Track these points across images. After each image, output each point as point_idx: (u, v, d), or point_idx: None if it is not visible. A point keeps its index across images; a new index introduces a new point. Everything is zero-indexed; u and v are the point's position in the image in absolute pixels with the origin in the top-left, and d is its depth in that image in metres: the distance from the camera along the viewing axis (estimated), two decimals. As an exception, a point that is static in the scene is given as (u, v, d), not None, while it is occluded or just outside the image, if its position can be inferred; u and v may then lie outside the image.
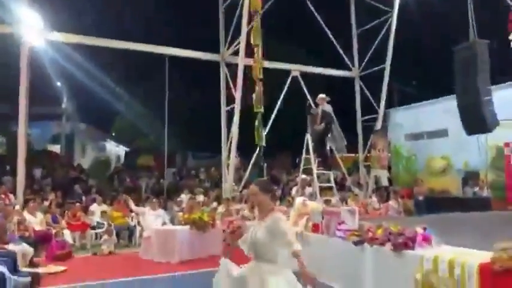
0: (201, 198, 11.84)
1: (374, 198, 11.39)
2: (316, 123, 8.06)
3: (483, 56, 10.11)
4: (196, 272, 6.68)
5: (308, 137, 8.17)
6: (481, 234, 5.04)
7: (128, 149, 25.99)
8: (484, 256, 3.77)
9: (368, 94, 13.93)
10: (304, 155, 8.33)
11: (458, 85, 10.57)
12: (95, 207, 10.21)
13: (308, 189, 8.27)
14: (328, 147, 8.55)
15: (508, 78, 11.95)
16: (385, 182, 14.03)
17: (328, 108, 8.17)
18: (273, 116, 12.90)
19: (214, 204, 11.23)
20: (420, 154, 14.03)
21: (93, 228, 9.46)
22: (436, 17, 14.11)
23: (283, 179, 15.34)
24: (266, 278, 2.78)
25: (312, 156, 7.99)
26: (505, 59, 11.12)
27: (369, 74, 14.19)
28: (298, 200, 6.61)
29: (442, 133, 13.42)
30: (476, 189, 11.77)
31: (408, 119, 14.59)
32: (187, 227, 7.70)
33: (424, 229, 4.64)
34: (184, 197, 11.98)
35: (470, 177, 12.34)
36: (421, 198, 11.40)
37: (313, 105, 8.35)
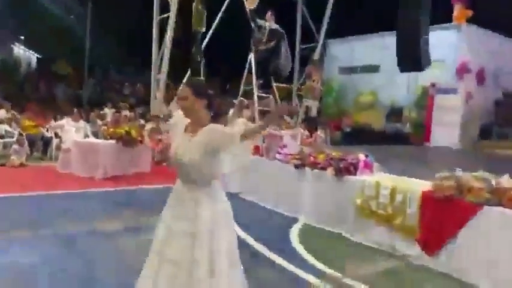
0: (126, 113, 11.02)
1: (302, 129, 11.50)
2: (262, 42, 7.56)
3: (428, -6, 10.13)
4: (122, 188, 6.25)
5: (251, 56, 7.69)
6: (405, 164, 5.23)
7: (40, 56, 23.19)
8: (424, 185, 3.86)
9: (310, 21, 13.47)
10: (245, 76, 7.90)
11: (400, 21, 10.55)
12: (1, 114, 9.00)
13: (246, 113, 7.97)
14: (271, 70, 8.17)
15: (436, 21, 12.28)
16: (314, 113, 14.25)
17: (276, 26, 7.67)
18: (206, 39, 11.82)
19: (141, 121, 10.56)
20: (351, 88, 14.32)
21: (1, 137, 8.38)
22: None
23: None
24: (198, 212, 2.17)
25: (254, 77, 7.59)
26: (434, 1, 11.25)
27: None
28: (239, 122, 6.28)
29: (374, 69, 13.74)
30: (399, 125, 12.45)
31: (343, 52, 14.61)
32: (112, 141, 7.08)
33: (366, 156, 4.64)
34: (108, 110, 11.06)
35: (394, 113, 12.98)
36: (348, 130, 11.79)
37: (259, 23, 7.74)
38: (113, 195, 5.91)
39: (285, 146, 5.42)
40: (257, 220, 4.97)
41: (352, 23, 15.61)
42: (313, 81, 13.68)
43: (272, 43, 7.56)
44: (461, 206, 3.36)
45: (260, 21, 7.77)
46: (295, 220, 4.89)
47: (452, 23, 11.80)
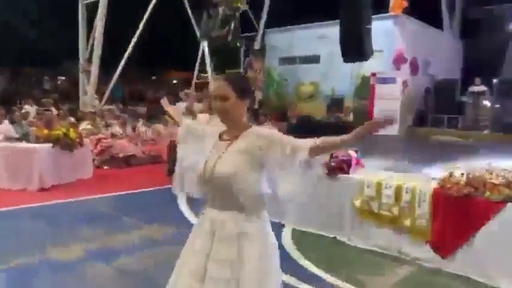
0: (53, 111, 9.69)
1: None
2: (214, 29, 6.93)
3: (370, -15, 10.21)
4: (66, 201, 5.31)
5: (205, 44, 7.02)
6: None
7: None
8: (429, 181, 3.64)
9: (248, 10, 13.02)
10: (197, 67, 7.21)
11: (343, 11, 10.52)
12: None
13: (197, 106, 7.31)
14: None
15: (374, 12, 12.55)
16: (255, 104, 13.93)
17: (232, 13, 7.09)
18: (138, 32, 10.75)
19: (71, 119, 9.34)
20: (291, 79, 14.16)
21: None
22: None
23: (148, 94, 13.85)
24: (241, 244, 1.61)
25: (209, 67, 6.94)
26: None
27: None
28: (201, 117, 5.66)
29: (315, 59, 13.69)
30: (342, 115, 12.55)
31: (283, 42, 14.37)
32: (47, 145, 6.03)
33: (356, 152, 4.34)
34: (29, 108, 9.63)
35: (335, 104, 13.06)
36: (294, 121, 11.62)
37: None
38: (58, 210, 4.97)
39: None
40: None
41: (291, 12, 15.45)
42: (255, 71, 13.35)
43: (226, 29, 6.97)
44: (481, 204, 3.16)
45: (213, 12, 7.13)
46: (280, 226, 4.46)
47: (389, 14, 12.08)
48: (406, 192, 3.57)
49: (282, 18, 14.21)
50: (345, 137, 1.55)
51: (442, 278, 3.24)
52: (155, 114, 11.65)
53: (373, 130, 1.55)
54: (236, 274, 1.58)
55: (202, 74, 7.26)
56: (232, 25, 7.08)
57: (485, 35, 15.32)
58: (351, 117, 12.00)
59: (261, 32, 13.35)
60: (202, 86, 7.45)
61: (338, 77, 12.76)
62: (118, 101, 12.87)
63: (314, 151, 1.55)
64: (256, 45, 13.14)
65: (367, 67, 11.42)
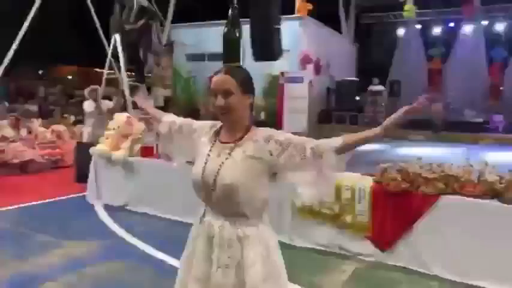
0: None
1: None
2: (129, 21, 6.36)
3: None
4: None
5: (116, 37, 6.40)
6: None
7: None
8: (367, 179, 3.76)
9: (154, 4, 12.36)
10: (108, 61, 6.56)
11: (252, 10, 10.59)
12: None
13: (107, 104, 6.67)
14: (141, 53, 7.02)
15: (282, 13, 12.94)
16: (161, 102, 13.35)
17: (148, 4, 6.57)
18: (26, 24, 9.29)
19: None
20: (200, 76, 13.88)
21: None
22: None
23: (39, 91, 12.39)
24: (246, 256, 1.46)
25: (122, 62, 6.34)
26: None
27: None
28: (119, 117, 5.14)
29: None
30: (253, 113, 12.66)
31: (191, 39, 14.00)
32: None
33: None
34: None
35: (244, 102, 13.15)
36: (208, 119, 11.41)
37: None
38: None
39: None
40: (171, 237, 4.14)
41: (199, 8, 15.11)
42: (163, 68, 12.76)
43: (141, 22, 6.46)
44: (417, 198, 3.35)
45: (128, 2, 6.51)
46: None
47: (295, 15, 12.51)
48: (346, 190, 3.65)
49: (189, 14, 13.85)
50: (374, 130, 1.45)
51: (383, 272, 3.37)
52: (51, 113, 10.47)
53: (404, 118, 1.45)
54: (241, 278, 1.45)
55: (110, 71, 6.63)
56: (145, 19, 6.59)
57: (376, 40, 16.82)
58: (262, 116, 12.18)
59: (167, 27, 12.81)
60: (112, 82, 6.82)
61: (248, 75, 12.85)
62: (3, 99, 11.30)
63: (341, 151, 1.43)
64: (164, 41, 12.56)
65: (275, 66, 11.68)
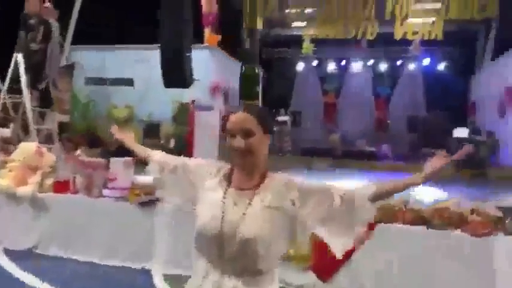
0: None
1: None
2: (36, 41, 5.68)
3: (189, 12, 10.42)
4: None
5: (19, 57, 5.64)
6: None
7: None
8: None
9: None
10: (7, 83, 5.74)
11: (163, 37, 10.41)
12: None
13: (2, 132, 5.80)
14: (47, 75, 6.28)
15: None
16: (55, 128, 12.18)
17: (56, 25, 5.95)
18: None
19: None
20: (102, 101, 13.04)
21: None
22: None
23: None
24: None
25: (24, 85, 5.58)
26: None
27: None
28: (26, 147, 4.49)
29: (128, 82, 13.03)
30: (163, 141, 12.24)
31: (92, 62, 13.16)
32: None
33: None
34: None
35: (152, 129, 12.65)
36: (110, 147, 10.67)
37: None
38: None
39: (114, 179, 4.26)
40: (93, 282, 3.69)
41: (104, 30, 14.31)
42: (60, 91, 11.68)
43: (48, 41, 5.84)
44: (357, 227, 3.50)
45: (33, 21, 5.79)
46: (145, 273, 3.89)
47: (205, 45, 12.60)
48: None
49: (93, 36, 13.04)
50: (414, 178, 1.42)
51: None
52: None
53: (447, 167, 1.45)
54: None
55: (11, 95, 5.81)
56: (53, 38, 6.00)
57: (278, 73, 17.74)
58: (171, 143, 11.83)
59: (67, 48, 11.87)
60: (13, 107, 5.99)
61: (155, 102, 12.48)
62: None
63: (375, 199, 1.37)
64: (63, 61, 11.56)
65: (185, 94, 11.58)
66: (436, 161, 1.45)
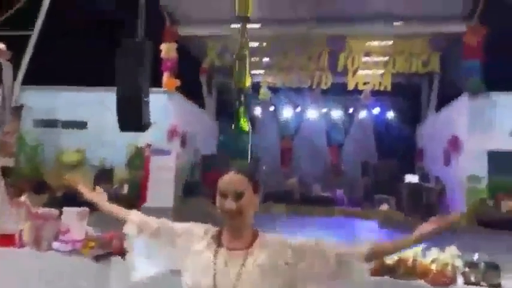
0: None
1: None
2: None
3: (149, 57, 10.42)
4: None
5: (-35, 98, 5.30)
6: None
7: None
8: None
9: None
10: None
11: (121, 79, 10.25)
12: None
13: None
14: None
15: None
16: (-2, 173, 11.41)
17: (9, 66, 5.69)
18: None
19: None
20: (51, 145, 12.46)
21: None
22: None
23: None
24: None
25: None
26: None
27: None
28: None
29: (81, 125, 12.61)
30: (111, 186, 11.75)
31: (42, 103, 12.68)
32: None
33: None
34: None
35: (104, 174, 12.16)
36: (58, 193, 10.09)
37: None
38: None
39: (66, 231, 3.96)
40: None
41: (58, 71, 13.92)
42: (6, 134, 11.07)
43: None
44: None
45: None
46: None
47: (163, 89, 12.58)
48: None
49: (43, 76, 12.62)
50: (408, 239, 1.41)
51: None
52: None
53: (441, 230, 1.44)
54: None
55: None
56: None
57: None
58: (125, 189, 11.39)
59: (17, 88, 11.40)
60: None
61: (109, 145, 12.10)
62: None
63: (370, 259, 1.35)
64: (12, 104, 11.05)
65: (141, 137, 11.34)
66: (427, 226, 1.46)
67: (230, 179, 1.38)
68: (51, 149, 12.45)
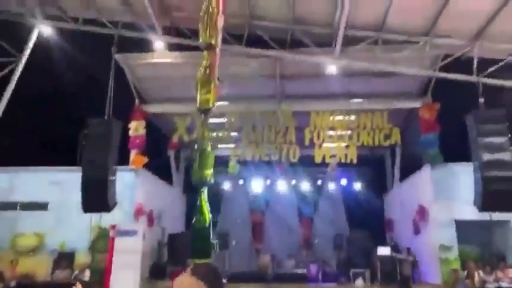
0: None
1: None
2: None
3: (116, 135, 10.33)
4: None
5: None
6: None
7: None
8: None
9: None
10: None
11: (87, 159, 10.02)
12: None
13: None
14: None
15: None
16: None
17: None
18: None
19: None
20: (7, 228, 11.67)
21: None
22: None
23: None
24: None
25: None
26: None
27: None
28: None
29: (42, 206, 11.99)
30: (72, 271, 10.95)
31: (1, 184, 12.10)
32: None
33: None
34: None
35: (64, 259, 11.36)
36: (12, 283, 9.27)
37: None
38: None
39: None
40: None
41: (14, 151, 13.49)
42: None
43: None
44: None
45: None
46: None
47: (130, 167, 12.34)
48: None
49: (3, 156, 12.16)
50: None
51: None
52: None
53: None
54: None
55: None
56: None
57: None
58: (87, 275, 10.61)
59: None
60: None
61: (70, 228, 11.48)
62: None
63: None
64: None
65: (105, 218, 10.83)
66: None
67: (182, 283, 1.27)
68: (6, 233, 11.64)
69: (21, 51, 11.54)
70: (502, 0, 9.08)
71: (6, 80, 11.27)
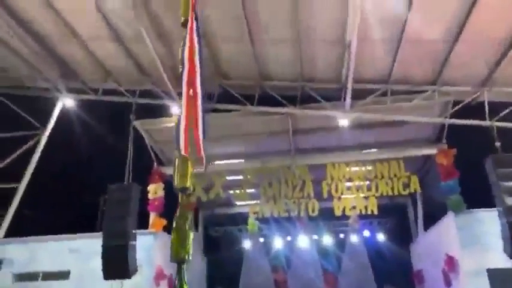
0: None
1: None
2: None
3: (135, 200, 10.48)
4: None
5: None
6: None
7: None
8: None
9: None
10: None
11: (107, 225, 10.14)
12: None
13: None
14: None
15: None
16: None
17: None
18: None
19: None
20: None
21: None
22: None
23: None
24: None
25: None
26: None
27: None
28: None
29: (63, 275, 11.93)
30: None
31: (21, 256, 12.16)
32: None
33: None
34: None
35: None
36: None
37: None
38: None
39: None
40: None
41: (34, 222, 13.73)
42: (-19, 293, 10.35)
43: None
44: None
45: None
46: None
47: (149, 230, 12.35)
48: None
49: (21, 228, 12.37)
50: None
51: None
52: None
53: None
54: None
55: None
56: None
57: (224, 251, 17.44)
58: None
59: (-2, 242, 11.06)
60: None
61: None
62: None
63: None
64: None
65: (126, 284, 10.70)
66: None
67: None
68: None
69: (44, 123, 12.12)
70: (505, 47, 9.28)
71: (31, 152, 11.75)
